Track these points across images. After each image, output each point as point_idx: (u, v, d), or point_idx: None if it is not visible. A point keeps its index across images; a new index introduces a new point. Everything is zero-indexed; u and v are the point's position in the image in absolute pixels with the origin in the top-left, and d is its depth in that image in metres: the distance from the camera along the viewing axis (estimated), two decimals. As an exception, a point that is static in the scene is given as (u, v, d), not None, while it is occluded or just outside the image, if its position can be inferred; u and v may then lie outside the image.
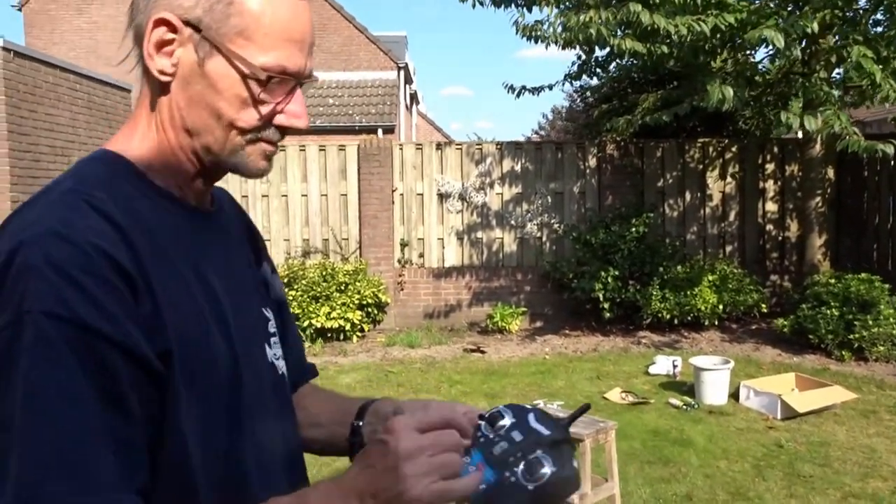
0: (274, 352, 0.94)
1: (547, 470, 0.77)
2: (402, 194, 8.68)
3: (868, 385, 5.83)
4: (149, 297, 0.73)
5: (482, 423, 0.82)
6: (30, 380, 0.65)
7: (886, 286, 6.57)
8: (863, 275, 6.78)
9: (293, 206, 8.70)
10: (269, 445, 0.88)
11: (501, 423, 0.81)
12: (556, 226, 8.63)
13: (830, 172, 8.36)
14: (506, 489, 0.77)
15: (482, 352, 7.30)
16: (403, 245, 8.68)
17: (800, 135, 8.63)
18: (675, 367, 6.20)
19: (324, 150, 8.75)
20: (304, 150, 8.73)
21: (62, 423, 0.65)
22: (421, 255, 8.71)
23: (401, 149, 8.78)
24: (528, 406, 0.85)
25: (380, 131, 13.68)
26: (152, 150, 0.84)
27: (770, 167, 8.81)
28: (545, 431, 0.80)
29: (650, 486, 4.03)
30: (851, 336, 6.43)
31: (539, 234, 8.69)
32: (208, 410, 0.78)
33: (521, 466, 0.78)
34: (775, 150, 8.84)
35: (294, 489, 0.80)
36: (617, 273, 7.68)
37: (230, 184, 8.39)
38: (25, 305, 0.66)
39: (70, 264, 0.68)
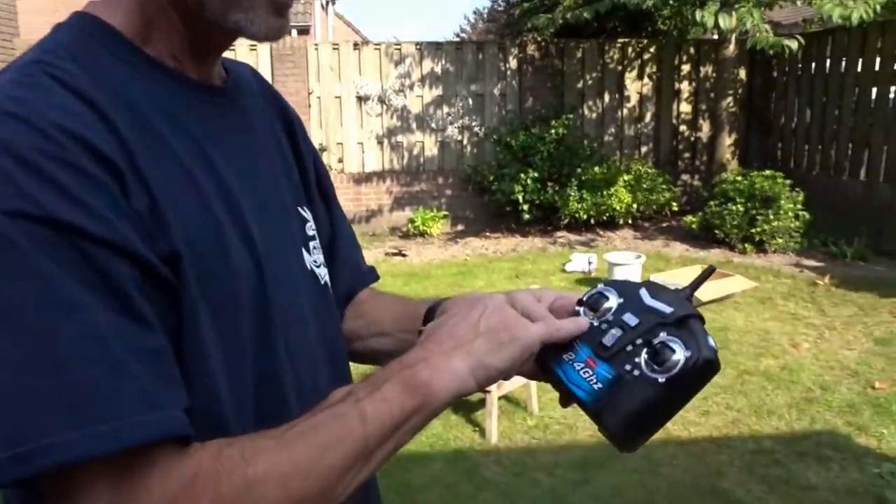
0: (314, 258, 0.79)
1: (679, 356, 0.62)
2: (319, 97, 8.39)
3: (766, 274, 6.21)
4: (143, 191, 0.57)
5: (581, 308, 0.68)
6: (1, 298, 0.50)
7: (788, 182, 6.90)
8: (767, 172, 7.09)
9: (203, 109, 8.27)
10: (309, 369, 0.74)
11: (607, 305, 0.67)
12: (476, 129, 8.58)
13: (742, 73, 8.57)
14: (629, 386, 0.63)
15: (403, 255, 7.34)
16: (322, 150, 8.46)
17: (715, 35, 8.75)
18: (590, 264, 6.41)
19: (233, 50, 8.24)
20: (211, 49, 8.23)
21: (57, 339, 0.50)
22: (340, 160, 8.53)
23: (316, 49, 8.41)
24: (635, 281, 0.71)
25: (294, 32, 13.04)
26: (135, 7, 0.65)
27: (686, 68, 8.94)
28: (665, 308, 0.65)
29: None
30: (754, 230, 6.79)
31: (460, 138, 8.62)
32: (234, 331, 0.63)
33: (644, 356, 0.64)
34: (691, 51, 8.94)
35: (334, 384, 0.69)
36: (536, 175, 7.76)
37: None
38: None
39: (31, 150, 0.52)
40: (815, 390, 3.94)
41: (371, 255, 7.45)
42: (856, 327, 4.88)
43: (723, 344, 4.65)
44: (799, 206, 6.79)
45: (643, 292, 0.68)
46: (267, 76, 8.22)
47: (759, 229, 6.75)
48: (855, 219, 7.13)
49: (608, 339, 0.65)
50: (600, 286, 0.70)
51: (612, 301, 0.68)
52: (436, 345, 0.65)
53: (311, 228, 0.81)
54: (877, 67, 7.25)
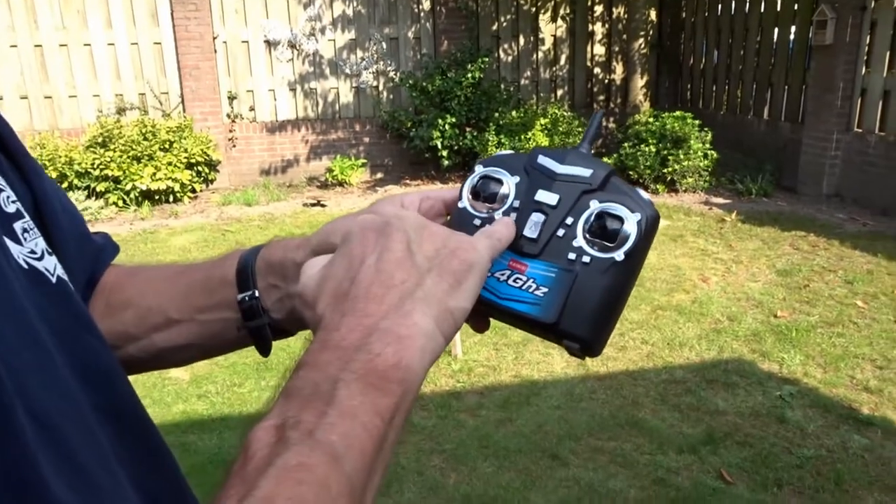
0: (30, 247, 0.48)
1: (630, 222, 0.50)
2: (224, 42, 7.98)
3: (678, 213, 6.43)
4: None
5: (467, 204, 0.53)
6: None
7: (697, 122, 7.11)
8: (677, 113, 7.27)
9: (99, 57, 7.74)
10: (73, 424, 0.42)
11: (503, 190, 0.53)
12: (392, 74, 8.39)
13: (653, 15, 8.68)
14: (583, 278, 0.51)
15: (322, 205, 7.19)
16: (231, 98, 8.11)
17: (626, -24, 8.79)
18: (510, 208, 6.46)
19: (128, -9, 7.72)
20: (103, -10, 7.67)
21: None
22: (252, 109, 8.20)
23: (219, -10, 7.95)
24: (514, 152, 0.56)
25: (195, -28, 12.27)
26: None
27: (598, 10, 8.97)
28: (583, 171, 0.52)
29: (486, 317, 4.28)
30: (665, 170, 6.99)
31: (375, 83, 8.42)
32: None
33: (585, 236, 0.51)
34: (603, -8, 8.97)
35: (128, 443, 0.46)
36: (454, 120, 7.69)
37: (17, 31, 7.22)
38: None
39: None
40: (723, 321, 4.14)
41: (288, 206, 7.27)
42: (760, 260, 5.14)
43: (638, 281, 4.78)
44: (707, 146, 7.03)
45: (544, 160, 0.53)
46: (167, 19, 7.81)
47: (670, 169, 6.96)
48: (759, 156, 7.45)
49: (531, 230, 0.51)
50: (480, 167, 0.54)
51: (509, 183, 0.53)
52: (374, 303, 0.45)
53: (9, 201, 0.49)
54: (778, 8, 7.48)
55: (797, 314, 4.20)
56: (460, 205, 0.54)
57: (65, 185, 6.97)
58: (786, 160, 7.18)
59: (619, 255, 0.50)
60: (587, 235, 0.51)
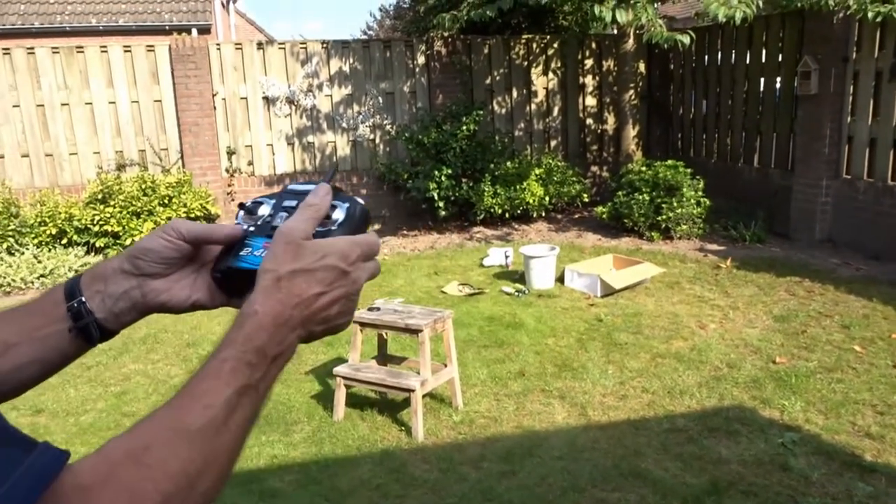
0: None
1: (339, 211, 0.72)
2: (224, 98, 8.14)
3: (673, 260, 6.48)
4: None
5: (240, 216, 0.78)
6: None
7: (689, 171, 7.23)
8: (669, 161, 7.40)
9: (100, 115, 7.88)
10: None
11: (262, 209, 0.76)
12: (388, 127, 8.55)
13: (642, 67, 8.90)
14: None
15: (321, 257, 7.23)
16: (230, 153, 8.23)
17: (615, 30, 9.05)
18: (507, 257, 6.51)
19: (129, 51, 7.91)
20: (106, 51, 7.85)
21: None
22: (250, 163, 8.32)
23: (218, 49, 8.15)
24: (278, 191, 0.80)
25: (194, 31, 12.59)
26: None
27: (589, 63, 9.20)
28: (312, 185, 0.75)
29: (487, 367, 4.29)
30: (659, 218, 7.07)
31: (372, 136, 8.57)
32: None
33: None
34: (593, 45, 9.21)
35: None
36: (450, 171, 7.81)
37: (20, 91, 7.33)
38: None
39: None
40: (722, 368, 4.15)
41: (287, 258, 7.30)
42: (757, 306, 5.17)
43: (636, 329, 4.82)
44: (700, 194, 7.13)
45: (290, 186, 0.77)
46: (168, 78, 7.97)
47: (664, 217, 7.04)
48: (751, 203, 7.56)
49: (278, 222, 0.72)
50: (251, 199, 0.79)
51: (267, 205, 0.76)
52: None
53: None
54: (763, 59, 7.70)
55: (796, 360, 4.21)
56: (239, 223, 0.77)
57: (64, 241, 7.02)
58: (777, 206, 7.29)
59: (334, 227, 0.71)
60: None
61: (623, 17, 6.31)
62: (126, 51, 7.90)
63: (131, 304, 0.74)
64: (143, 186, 7.24)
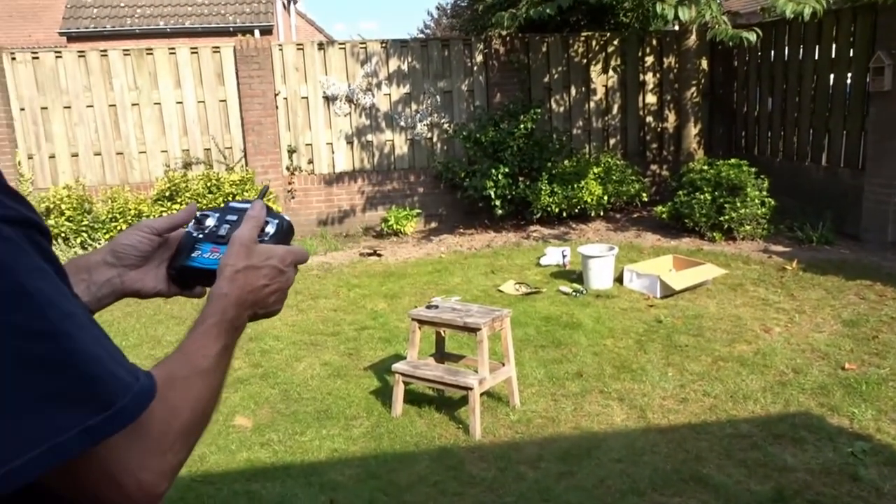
0: None
1: (271, 225, 0.92)
2: (285, 98, 8.32)
3: (736, 261, 6.33)
4: None
5: (190, 225, 0.97)
6: (35, 285, 0.60)
7: (753, 170, 7.04)
8: (732, 160, 7.22)
9: (168, 114, 8.16)
10: None
11: (209, 221, 0.95)
12: (445, 125, 8.59)
13: (704, 64, 8.70)
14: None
15: (379, 255, 7.33)
16: (291, 151, 8.41)
17: (676, 27, 8.88)
18: (564, 257, 6.47)
19: (196, 52, 8.17)
20: (174, 53, 8.13)
21: (79, 318, 0.63)
22: (310, 162, 8.48)
23: (281, 49, 8.34)
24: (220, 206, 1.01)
25: (256, 32, 12.90)
26: None
27: (649, 60, 9.05)
28: (247, 204, 0.94)
29: (544, 368, 4.28)
30: (722, 218, 6.91)
31: (429, 135, 8.63)
32: None
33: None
34: (654, 42, 9.05)
35: None
36: (507, 170, 7.80)
37: (93, 92, 7.64)
38: None
39: None
40: (788, 373, 4.03)
41: (346, 255, 7.43)
42: (824, 310, 5.01)
43: (697, 331, 4.73)
44: (764, 193, 6.94)
45: (231, 203, 0.97)
46: (232, 78, 8.20)
47: (727, 217, 6.88)
48: (819, 203, 7.30)
49: (222, 231, 0.93)
50: (200, 212, 0.98)
51: (212, 218, 0.96)
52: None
53: None
54: (833, 54, 7.42)
55: (867, 366, 4.06)
56: (188, 229, 0.97)
57: (134, 236, 7.29)
58: (847, 207, 7.03)
59: (266, 237, 0.91)
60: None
61: (686, 14, 6.19)
62: (193, 52, 8.15)
63: (111, 290, 0.93)
64: (209, 184, 7.47)
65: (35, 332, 0.58)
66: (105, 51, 8.10)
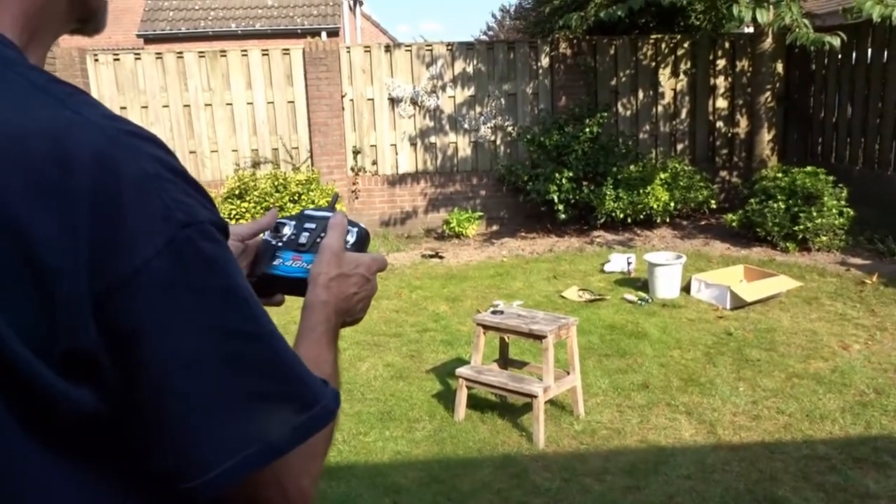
0: None
1: (352, 233, 0.93)
2: (351, 100, 8.42)
3: (811, 273, 6.08)
4: None
5: (267, 233, 0.97)
6: (241, 287, 0.61)
7: (831, 178, 6.76)
8: (808, 168, 6.95)
9: (239, 115, 8.37)
10: None
11: (286, 229, 0.95)
12: (509, 128, 8.54)
13: (780, 67, 8.40)
14: None
15: (440, 257, 7.34)
16: (356, 152, 8.50)
17: (751, 29, 8.60)
18: (629, 264, 6.35)
19: (267, 54, 8.35)
20: (246, 55, 8.33)
21: (271, 326, 0.64)
22: (374, 163, 8.56)
23: (348, 52, 8.45)
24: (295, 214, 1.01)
25: (323, 34, 13.10)
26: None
27: (721, 63, 8.80)
28: (328, 213, 0.95)
29: (609, 377, 4.20)
30: (796, 228, 6.66)
31: (493, 138, 8.60)
32: None
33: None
34: (726, 45, 8.80)
35: None
36: (571, 174, 7.70)
37: (169, 92, 7.90)
38: (181, 218, 0.57)
39: (172, 163, 0.61)
40: (868, 393, 3.85)
41: (407, 256, 7.47)
42: (907, 327, 4.76)
43: (770, 346, 4.57)
44: (843, 203, 6.65)
45: (306, 212, 0.97)
46: (301, 80, 8.34)
47: (801, 227, 6.62)
48: (901, 215, 6.96)
49: (302, 240, 0.93)
50: (277, 220, 0.98)
51: (289, 226, 0.96)
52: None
53: None
54: (922, 59, 7.06)
55: (955, 390, 3.84)
56: (265, 237, 0.97)
57: (204, 232, 7.50)
58: (933, 219, 6.67)
59: (348, 246, 0.91)
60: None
61: (763, 16, 5.99)
62: (264, 54, 8.34)
63: None
64: (276, 183, 7.62)
65: (248, 333, 0.60)
66: (181, 53, 8.36)
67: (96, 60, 8.15)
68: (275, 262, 0.93)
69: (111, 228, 0.54)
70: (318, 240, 0.92)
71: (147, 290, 0.55)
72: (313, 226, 0.94)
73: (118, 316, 0.54)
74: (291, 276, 0.92)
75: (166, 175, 0.58)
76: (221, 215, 0.63)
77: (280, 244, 0.95)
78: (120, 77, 8.18)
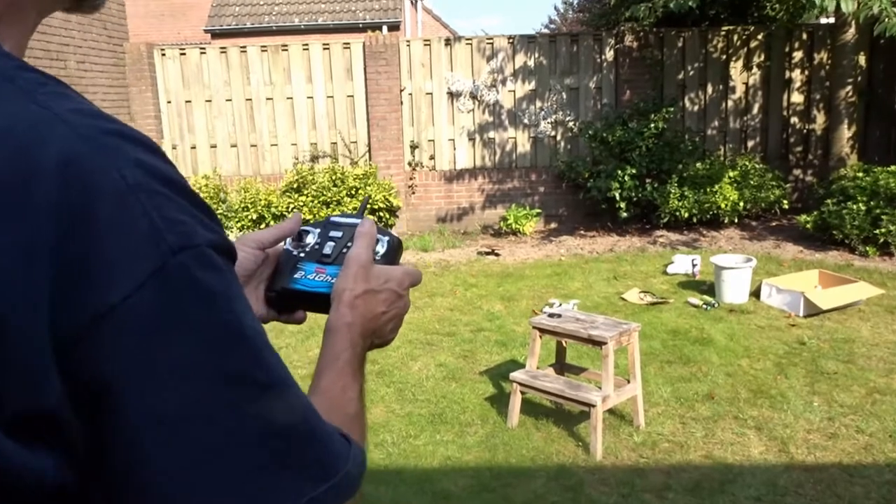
0: None
1: (382, 243, 0.83)
2: (410, 94, 8.35)
3: (893, 281, 5.70)
4: None
5: (288, 242, 0.87)
6: (248, 327, 0.49)
7: (917, 179, 6.32)
8: (892, 167, 6.52)
9: (299, 109, 8.41)
10: None
11: (309, 238, 0.86)
12: (570, 124, 8.32)
13: (862, 60, 7.93)
14: None
15: (497, 254, 7.20)
16: (413, 147, 8.44)
17: (831, 20, 8.14)
18: (694, 266, 6.08)
19: (328, 48, 8.36)
20: (307, 49, 8.35)
21: (284, 373, 0.52)
22: (432, 158, 8.47)
23: (408, 46, 8.38)
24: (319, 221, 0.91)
25: (384, 28, 13.09)
26: None
27: (798, 55, 8.36)
28: (355, 220, 0.85)
29: (671, 386, 3.99)
30: (878, 231, 6.25)
31: (553, 133, 8.39)
32: None
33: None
34: (804, 37, 8.35)
35: None
36: (634, 171, 7.44)
37: (232, 86, 7.99)
38: (173, 241, 0.45)
39: (166, 171, 0.48)
40: (960, 414, 3.54)
41: (463, 253, 7.36)
42: None
43: (848, 358, 4.28)
44: (930, 205, 6.21)
45: (332, 217, 0.88)
46: (360, 74, 8.31)
47: (883, 230, 6.21)
48: None
49: (327, 250, 0.83)
50: (300, 229, 0.88)
51: (313, 235, 0.86)
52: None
53: None
54: None
55: None
56: (286, 247, 0.86)
57: (262, 225, 7.57)
58: None
59: (377, 257, 0.81)
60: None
61: (848, 6, 5.61)
62: (325, 48, 8.35)
63: None
64: (334, 177, 7.62)
65: (254, 384, 0.48)
66: (244, 47, 8.45)
67: (163, 55, 8.31)
68: (296, 276, 0.83)
69: (79, 255, 0.42)
70: (344, 250, 0.82)
71: (126, 334, 0.43)
72: (339, 234, 0.85)
73: (88, 366, 0.43)
74: (314, 290, 0.82)
75: (156, 187, 0.46)
76: (226, 234, 0.51)
77: (302, 255, 0.85)
78: (186, 71, 8.33)
